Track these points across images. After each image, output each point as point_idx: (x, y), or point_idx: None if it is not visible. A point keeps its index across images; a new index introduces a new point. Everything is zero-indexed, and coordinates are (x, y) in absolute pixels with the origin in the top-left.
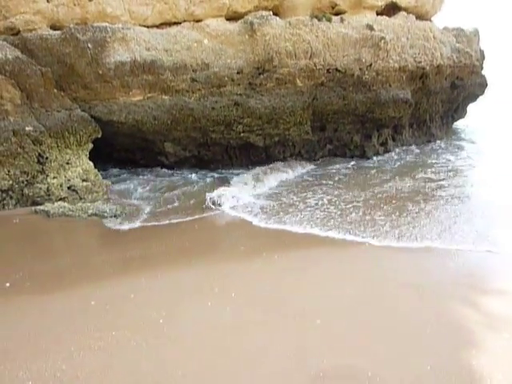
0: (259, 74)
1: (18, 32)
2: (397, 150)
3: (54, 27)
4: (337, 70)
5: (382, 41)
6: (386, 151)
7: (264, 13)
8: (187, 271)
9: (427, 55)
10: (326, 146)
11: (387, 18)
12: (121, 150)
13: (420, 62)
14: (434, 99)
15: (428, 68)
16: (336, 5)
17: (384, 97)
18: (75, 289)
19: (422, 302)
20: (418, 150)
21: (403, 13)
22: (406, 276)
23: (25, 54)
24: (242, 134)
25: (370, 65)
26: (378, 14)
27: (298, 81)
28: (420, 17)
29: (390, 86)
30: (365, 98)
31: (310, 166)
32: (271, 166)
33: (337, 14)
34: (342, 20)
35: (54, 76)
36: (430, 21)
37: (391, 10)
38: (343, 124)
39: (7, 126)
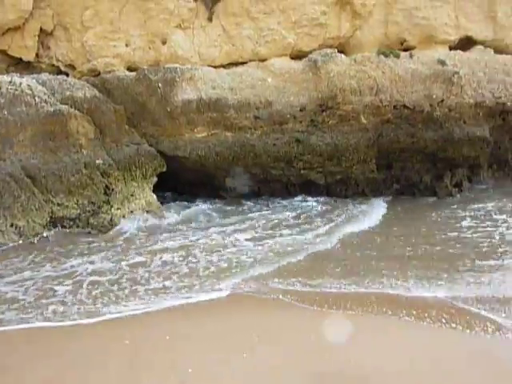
0: (322, 111)
1: (99, 73)
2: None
3: (130, 69)
4: (405, 106)
5: (456, 76)
6: (460, 192)
7: (329, 50)
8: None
9: (508, 90)
10: (393, 186)
11: (461, 52)
12: (185, 184)
13: (500, 98)
14: None
15: (509, 104)
16: (405, 41)
17: (458, 134)
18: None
19: None
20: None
21: (480, 47)
22: None
23: (104, 93)
24: (302, 171)
25: (442, 101)
26: (451, 48)
27: (362, 118)
28: (500, 51)
29: (464, 122)
30: (436, 135)
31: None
32: None
33: (406, 49)
34: (411, 56)
35: (126, 113)
36: None
37: (466, 44)
38: (411, 163)
39: (80, 158)
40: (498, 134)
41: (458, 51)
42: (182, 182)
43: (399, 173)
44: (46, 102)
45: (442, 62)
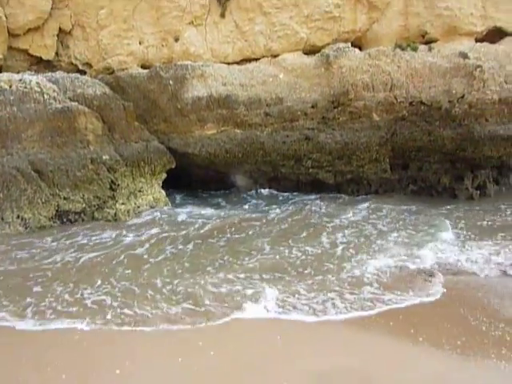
0: (334, 107)
1: (113, 71)
2: None
3: (143, 66)
4: (421, 102)
5: (478, 69)
6: (484, 195)
7: (342, 45)
8: None
9: None
10: (409, 186)
11: (489, 44)
12: (198, 181)
13: None
14: None
15: None
16: (426, 33)
17: (478, 133)
18: None
19: None
20: None
21: (511, 38)
22: None
23: (118, 91)
24: (310, 170)
25: (462, 96)
26: (477, 41)
27: (374, 115)
28: None
29: (486, 120)
30: (454, 133)
31: None
32: None
33: (428, 42)
34: (430, 49)
35: (139, 110)
36: None
37: (496, 35)
38: (429, 163)
39: (86, 154)
40: None
41: (485, 43)
42: (194, 179)
43: (415, 173)
44: (54, 99)
45: (464, 55)
